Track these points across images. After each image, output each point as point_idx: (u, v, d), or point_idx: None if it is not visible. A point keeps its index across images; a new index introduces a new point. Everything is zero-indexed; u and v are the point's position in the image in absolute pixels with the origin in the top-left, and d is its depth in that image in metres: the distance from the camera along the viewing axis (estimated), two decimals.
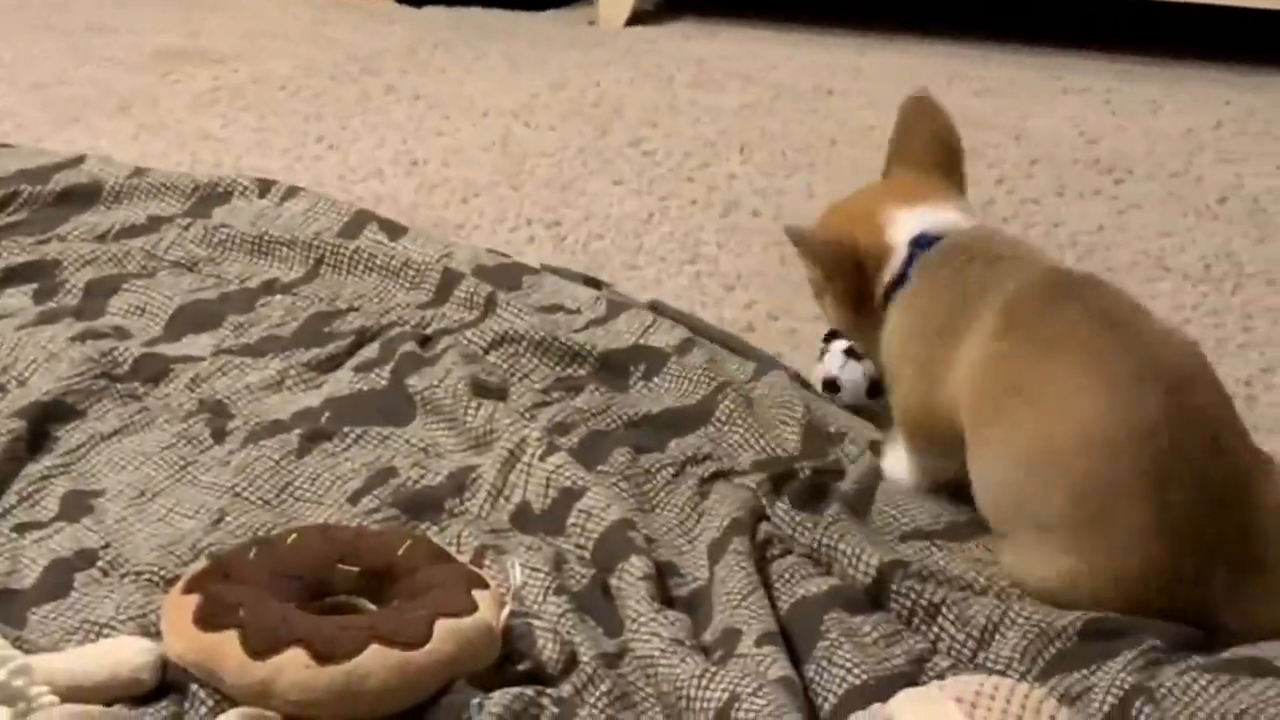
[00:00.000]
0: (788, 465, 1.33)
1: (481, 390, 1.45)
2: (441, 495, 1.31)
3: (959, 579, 1.18)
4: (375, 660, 1.03)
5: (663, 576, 1.20)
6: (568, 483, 1.29)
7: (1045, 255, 1.37)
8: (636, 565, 1.19)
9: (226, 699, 1.05)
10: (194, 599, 1.08)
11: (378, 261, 1.70)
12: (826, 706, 1.07)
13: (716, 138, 2.22)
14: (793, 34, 2.74)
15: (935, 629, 1.14)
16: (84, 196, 1.88)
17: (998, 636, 1.11)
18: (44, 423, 1.40)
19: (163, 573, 1.19)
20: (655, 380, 1.49)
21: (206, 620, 1.06)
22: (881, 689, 1.04)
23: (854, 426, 1.41)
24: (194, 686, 1.06)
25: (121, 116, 2.30)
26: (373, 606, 1.13)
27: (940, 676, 1.08)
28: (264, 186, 1.90)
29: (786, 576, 1.19)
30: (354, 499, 1.30)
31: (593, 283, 1.71)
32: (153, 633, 1.11)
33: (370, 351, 1.53)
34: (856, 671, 1.07)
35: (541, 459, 1.32)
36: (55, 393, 1.43)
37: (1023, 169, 2.09)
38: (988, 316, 1.23)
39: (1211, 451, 1.13)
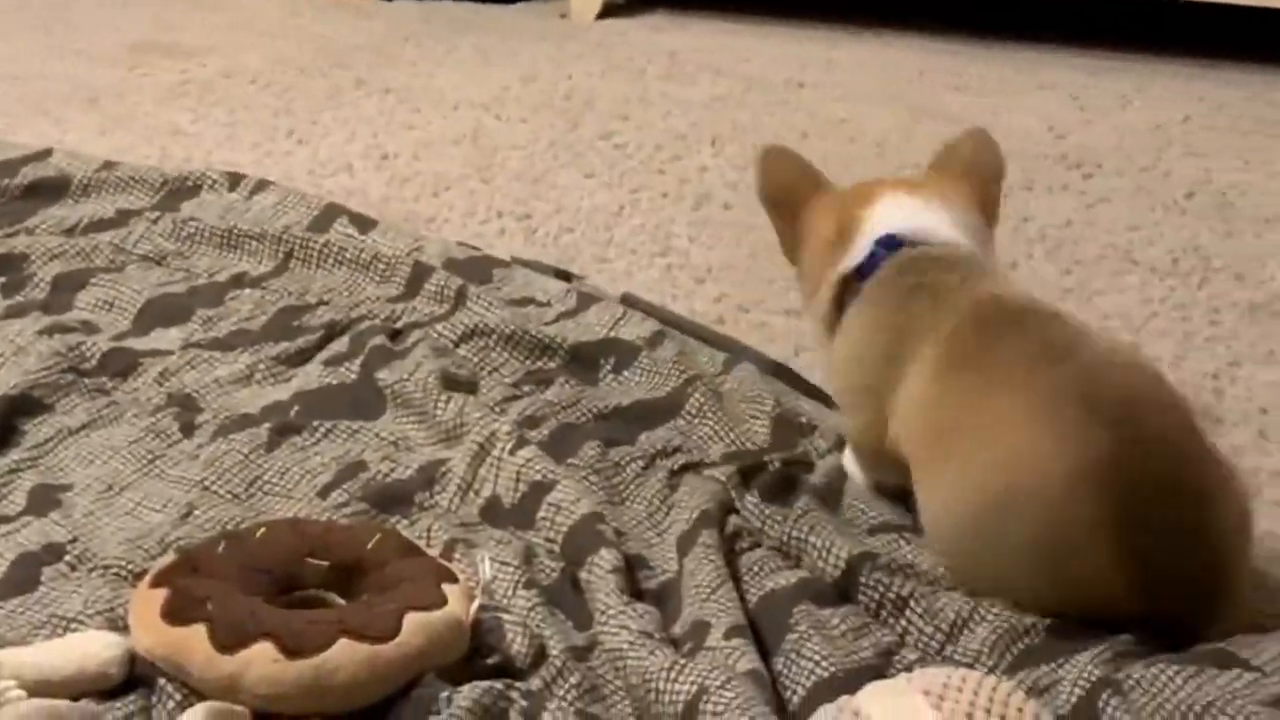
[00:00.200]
0: (757, 457, 1.33)
1: (451, 384, 1.45)
2: (411, 489, 1.31)
3: (927, 573, 1.18)
4: (344, 654, 1.03)
5: (632, 569, 1.20)
6: (537, 476, 1.29)
7: (999, 277, 1.30)
8: (606, 558, 1.19)
9: (194, 693, 1.04)
10: (162, 593, 1.08)
11: (348, 255, 1.70)
12: (795, 699, 1.07)
13: (688, 130, 2.22)
14: (764, 27, 2.74)
15: (903, 622, 1.14)
16: (52, 190, 1.88)
17: (966, 631, 1.12)
18: (11, 417, 1.40)
19: (130, 567, 1.19)
20: (625, 373, 1.49)
21: (174, 614, 1.06)
22: (850, 681, 1.04)
23: (824, 419, 1.42)
24: (161, 681, 1.06)
25: (90, 110, 2.29)
26: (342, 601, 1.13)
27: (908, 669, 1.08)
28: (233, 180, 1.90)
29: (755, 569, 1.19)
30: (323, 493, 1.30)
31: (563, 275, 1.70)
32: (120, 627, 1.11)
33: (340, 345, 1.53)
34: (825, 664, 1.08)
35: (511, 452, 1.32)
36: (23, 387, 1.43)
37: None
38: (928, 352, 1.20)
39: (1165, 480, 1.08)
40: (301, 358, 1.52)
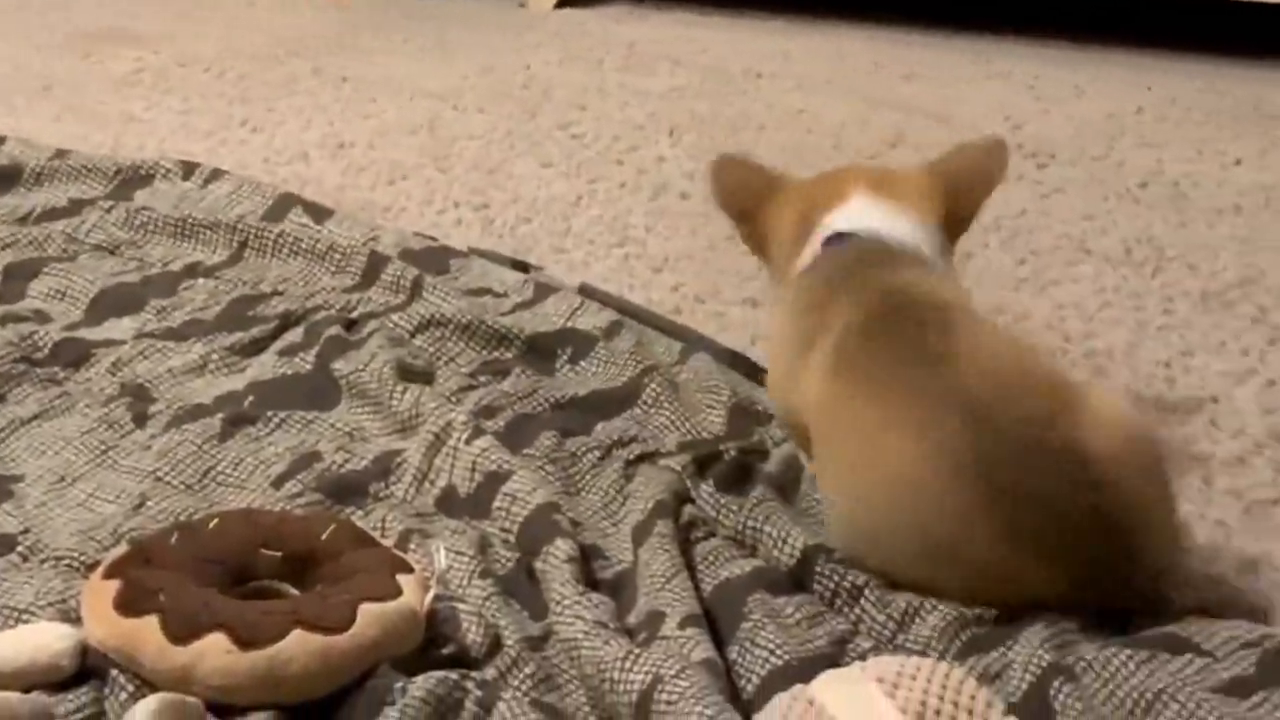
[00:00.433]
0: (713, 447, 1.33)
1: (407, 374, 1.44)
2: (366, 479, 1.31)
3: None
4: (297, 645, 1.03)
5: (587, 559, 1.20)
6: (493, 466, 1.29)
7: (926, 272, 1.29)
8: (561, 548, 1.19)
9: (147, 684, 1.04)
10: (114, 584, 1.07)
11: (303, 245, 1.69)
12: (749, 688, 1.07)
13: (645, 121, 2.22)
14: (722, 18, 2.75)
15: (857, 611, 1.15)
16: (4, 179, 1.86)
17: (917, 619, 1.12)
18: None
19: (83, 558, 1.18)
20: (582, 363, 1.49)
21: (127, 605, 1.05)
22: (804, 670, 1.05)
23: None
24: (114, 672, 1.05)
25: (43, 98, 2.28)
26: (296, 591, 1.12)
27: (862, 657, 1.08)
28: (187, 169, 1.89)
29: (710, 559, 1.20)
30: (277, 483, 1.30)
31: (521, 266, 1.70)
32: (73, 618, 1.10)
33: (295, 335, 1.52)
34: (779, 653, 1.08)
35: (467, 442, 1.32)
36: None
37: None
38: (827, 349, 1.22)
39: (1030, 467, 1.09)
40: (256, 348, 1.51)
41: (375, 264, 1.64)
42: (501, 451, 1.30)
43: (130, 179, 1.87)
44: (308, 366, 1.47)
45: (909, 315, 1.20)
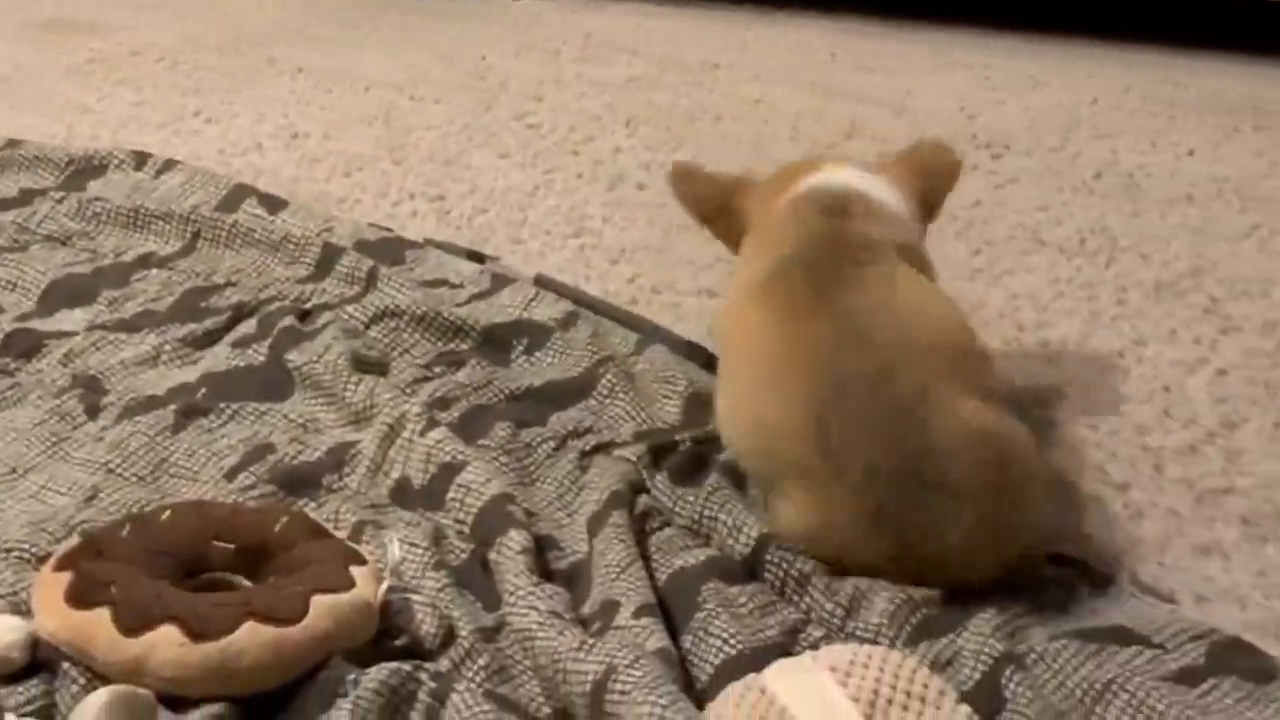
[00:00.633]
0: (668, 436, 1.33)
1: (362, 365, 1.44)
2: (320, 471, 1.30)
3: None
4: (249, 637, 1.02)
5: (542, 550, 1.20)
6: (447, 458, 1.29)
7: (860, 224, 1.32)
8: (515, 539, 1.19)
9: (98, 677, 1.03)
10: (66, 576, 1.07)
11: (256, 235, 1.68)
12: (703, 677, 1.07)
13: (602, 111, 2.21)
14: (679, 8, 2.74)
15: (806, 599, 1.15)
16: None
17: (865, 605, 1.13)
18: None
19: (34, 550, 1.17)
20: (538, 354, 1.49)
21: (78, 598, 1.05)
22: (757, 659, 1.05)
23: None
24: (65, 665, 1.04)
25: None
26: (248, 583, 1.12)
27: (814, 646, 1.08)
28: (140, 159, 1.87)
29: (665, 548, 1.20)
30: (230, 475, 1.29)
31: (476, 257, 1.70)
32: (24, 611, 1.10)
33: (248, 327, 1.52)
34: (733, 642, 1.08)
35: (422, 434, 1.31)
36: None
37: (904, 144, 2.10)
38: (746, 278, 1.28)
39: (868, 421, 1.13)
40: (209, 339, 1.51)
41: (330, 255, 1.64)
42: (456, 443, 1.30)
43: (83, 169, 1.86)
44: (261, 358, 1.46)
45: (823, 267, 1.24)
